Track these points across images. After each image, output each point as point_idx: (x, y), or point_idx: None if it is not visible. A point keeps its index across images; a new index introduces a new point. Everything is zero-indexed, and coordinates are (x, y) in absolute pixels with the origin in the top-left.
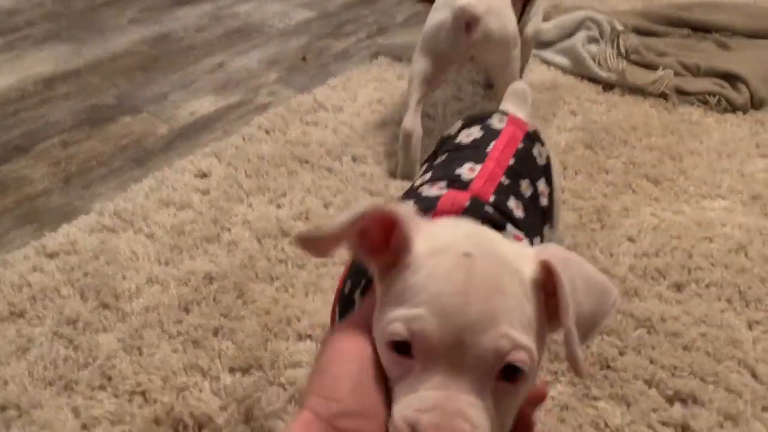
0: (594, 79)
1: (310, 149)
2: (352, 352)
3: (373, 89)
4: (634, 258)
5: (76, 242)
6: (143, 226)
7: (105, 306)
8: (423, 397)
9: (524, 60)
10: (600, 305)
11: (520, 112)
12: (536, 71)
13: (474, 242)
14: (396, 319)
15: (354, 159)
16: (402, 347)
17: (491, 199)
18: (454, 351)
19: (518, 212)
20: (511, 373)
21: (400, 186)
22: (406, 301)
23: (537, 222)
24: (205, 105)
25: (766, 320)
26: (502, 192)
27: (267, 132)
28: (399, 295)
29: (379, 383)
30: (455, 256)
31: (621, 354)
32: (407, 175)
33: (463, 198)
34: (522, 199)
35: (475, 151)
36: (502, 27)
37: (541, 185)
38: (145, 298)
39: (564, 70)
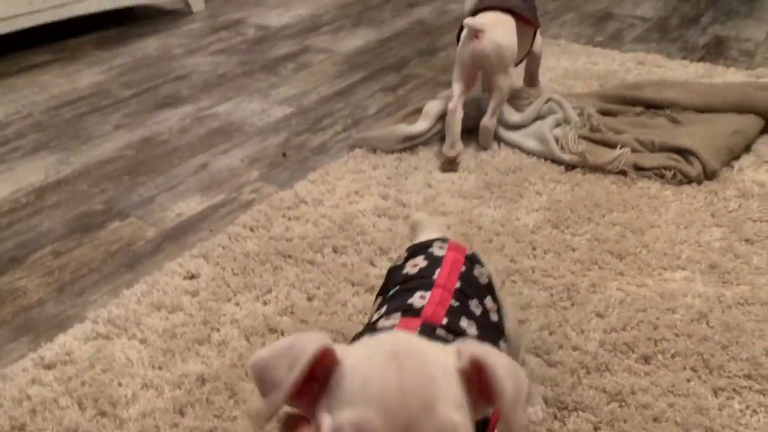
0: (557, 160)
1: (293, 244)
2: None
3: (351, 181)
4: (603, 333)
5: (72, 352)
6: (136, 331)
7: (103, 414)
8: None
9: (537, 66)
10: (519, 385)
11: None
12: (502, 154)
13: (397, 345)
14: (343, 424)
15: (335, 250)
16: None
17: (444, 321)
18: None
19: (472, 330)
20: None
21: (379, 274)
22: (347, 405)
23: (492, 336)
24: (191, 206)
25: (730, 386)
26: (453, 314)
27: (251, 230)
28: (338, 401)
29: None
30: (384, 357)
31: (596, 429)
32: (452, 146)
33: (414, 325)
34: (473, 317)
35: (423, 280)
36: (502, 40)
37: (489, 302)
38: (141, 404)
39: (531, 153)
